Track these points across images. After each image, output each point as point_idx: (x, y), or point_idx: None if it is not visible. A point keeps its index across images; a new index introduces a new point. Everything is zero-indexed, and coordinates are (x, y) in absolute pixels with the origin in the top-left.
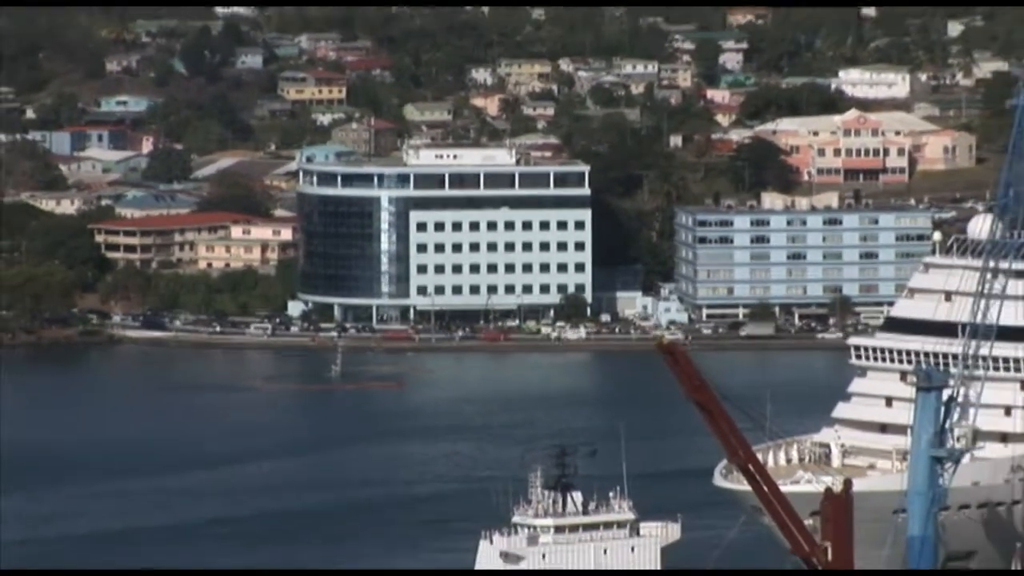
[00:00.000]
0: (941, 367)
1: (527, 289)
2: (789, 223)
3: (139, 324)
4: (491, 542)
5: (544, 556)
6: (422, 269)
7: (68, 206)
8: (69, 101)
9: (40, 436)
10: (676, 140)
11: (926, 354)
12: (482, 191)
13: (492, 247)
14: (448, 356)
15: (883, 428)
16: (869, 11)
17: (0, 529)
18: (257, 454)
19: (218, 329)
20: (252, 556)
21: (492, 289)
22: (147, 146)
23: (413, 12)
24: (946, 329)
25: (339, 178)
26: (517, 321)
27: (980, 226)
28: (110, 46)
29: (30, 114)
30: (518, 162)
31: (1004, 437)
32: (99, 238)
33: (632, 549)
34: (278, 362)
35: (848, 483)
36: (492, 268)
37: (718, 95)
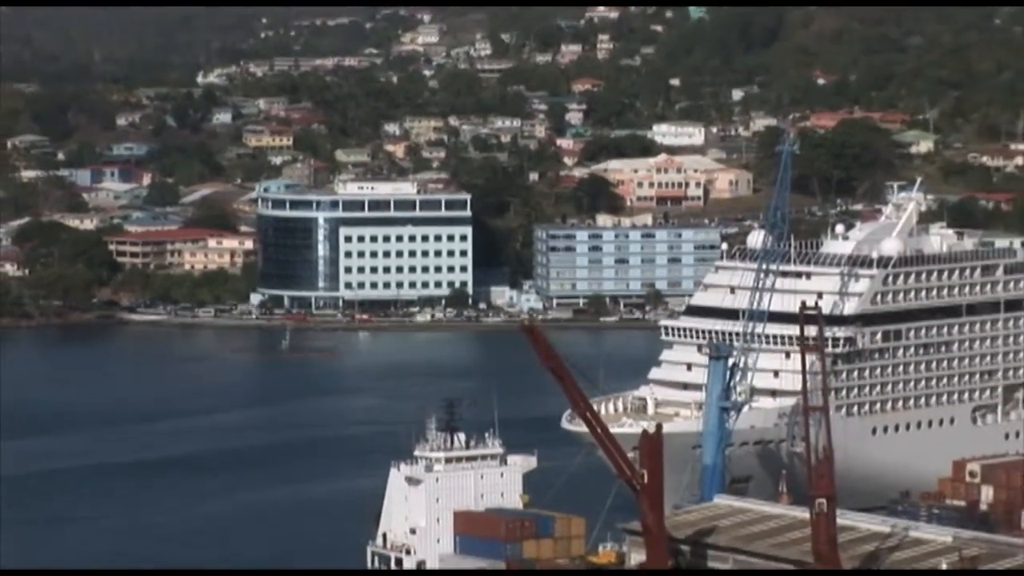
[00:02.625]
0: (727, 341)
1: (425, 285)
2: (616, 236)
3: (113, 310)
4: (399, 469)
5: (437, 480)
6: (348, 270)
7: (88, 224)
8: (89, 147)
9: (64, 393)
10: (534, 176)
11: (716, 332)
12: (392, 213)
13: (399, 254)
14: (368, 334)
15: (685, 386)
16: (675, 81)
17: (24, 461)
18: (226, 405)
19: (175, 314)
20: (219, 479)
21: (399, 284)
22: (147, 180)
23: (342, 81)
24: (731, 314)
25: (287, 203)
26: (417, 308)
27: (756, 239)
28: (120, 106)
29: (60, 156)
30: (418, 192)
31: (773, 393)
32: (111, 247)
33: (501, 475)
34: (242, 338)
35: (659, 426)
36: (399, 269)
37: (565, 143)
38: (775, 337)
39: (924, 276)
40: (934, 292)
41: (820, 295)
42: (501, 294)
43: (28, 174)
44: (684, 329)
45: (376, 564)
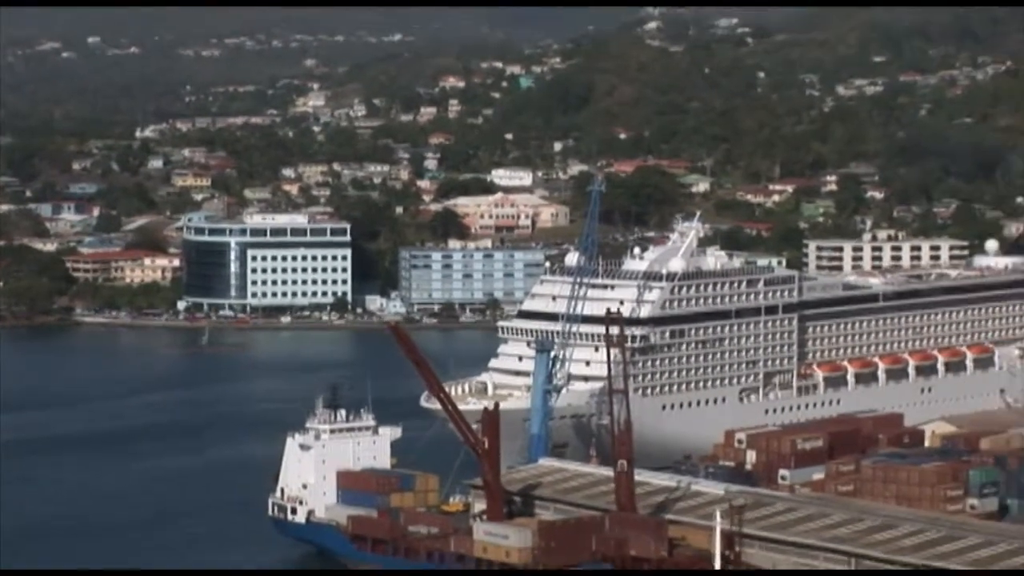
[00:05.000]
0: (550, 338)
1: (314, 294)
2: (463, 256)
3: (70, 314)
4: (293, 438)
5: (324, 446)
6: (254, 283)
7: (50, 247)
8: (51, 186)
9: (29, 379)
10: (400, 209)
11: (541, 331)
12: (289, 238)
13: (294, 270)
14: (269, 333)
15: (517, 373)
16: (509, 135)
17: None
18: (157, 388)
19: (118, 317)
20: (151, 447)
21: (294, 294)
22: (96, 212)
23: (249, 135)
24: (552, 317)
25: (207, 231)
26: (308, 312)
27: (572, 259)
28: (75, 155)
29: (28, 193)
30: (309, 222)
31: (586, 378)
32: (68, 265)
33: (374, 442)
34: (171, 336)
35: (497, 404)
36: (294, 282)
37: (423, 184)
38: (587, 335)
39: (702, 287)
40: (710, 300)
41: (621, 302)
42: (373, 301)
43: (2, 208)
44: (516, 329)
45: (275, 513)
